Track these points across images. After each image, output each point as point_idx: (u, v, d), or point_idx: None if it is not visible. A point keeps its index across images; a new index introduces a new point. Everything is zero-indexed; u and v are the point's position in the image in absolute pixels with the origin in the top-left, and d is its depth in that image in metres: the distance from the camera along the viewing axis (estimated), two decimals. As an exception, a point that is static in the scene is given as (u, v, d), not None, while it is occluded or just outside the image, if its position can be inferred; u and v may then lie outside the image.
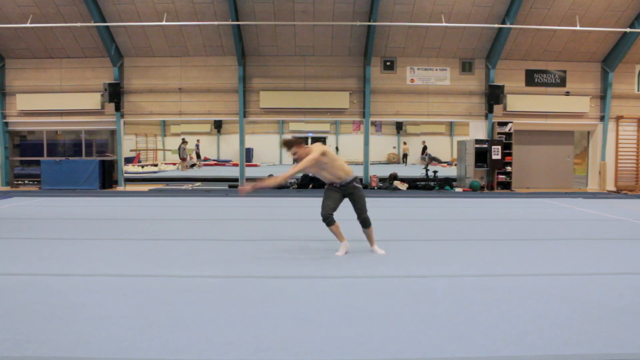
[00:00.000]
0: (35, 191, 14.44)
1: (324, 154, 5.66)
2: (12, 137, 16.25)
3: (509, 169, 15.44)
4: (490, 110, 15.45)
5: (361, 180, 15.91)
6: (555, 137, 16.24)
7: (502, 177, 15.43)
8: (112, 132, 16.58)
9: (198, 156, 27.54)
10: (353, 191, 5.91)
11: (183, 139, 25.42)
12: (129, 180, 17.06)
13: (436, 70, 15.60)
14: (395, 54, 15.46)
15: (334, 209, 5.83)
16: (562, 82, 15.77)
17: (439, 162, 33.11)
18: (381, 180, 16.08)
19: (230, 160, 30.49)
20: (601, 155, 15.90)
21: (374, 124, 32.71)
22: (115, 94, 14.86)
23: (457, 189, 15.32)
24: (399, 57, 15.53)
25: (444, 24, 13.92)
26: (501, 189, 15.37)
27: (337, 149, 35.13)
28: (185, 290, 4.42)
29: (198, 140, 28.39)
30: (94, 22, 13.90)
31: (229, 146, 32.86)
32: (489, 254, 6.05)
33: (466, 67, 15.64)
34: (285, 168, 27.27)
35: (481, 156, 15.28)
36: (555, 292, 4.39)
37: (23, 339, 3.26)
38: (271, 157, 33.32)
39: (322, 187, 15.38)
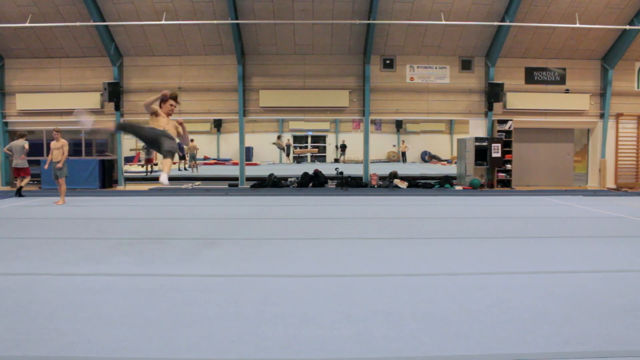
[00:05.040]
0: (35, 191, 14.44)
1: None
2: (12, 137, 16.23)
3: (509, 166, 15.45)
4: (490, 108, 15.45)
5: (361, 179, 15.93)
6: (555, 134, 16.23)
7: (502, 175, 15.44)
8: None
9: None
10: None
11: None
12: (129, 180, 17.06)
13: (436, 68, 15.58)
14: (395, 52, 15.45)
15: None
16: (562, 80, 15.76)
17: (439, 160, 33.11)
18: (381, 178, 16.09)
19: (230, 159, 30.53)
20: (601, 153, 15.90)
21: (373, 122, 32.72)
22: (114, 93, 14.86)
23: (457, 187, 15.32)
24: (399, 56, 15.52)
25: (443, 22, 13.90)
26: (501, 187, 15.38)
27: (336, 147, 35.09)
28: (185, 289, 4.41)
29: None
30: (93, 22, 13.89)
31: (228, 145, 32.88)
32: (489, 252, 6.04)
33: (466, 65, 15.63)
34: (285, 167, 27.30)
35: (481, 154, 15.28)
36: (555, 289, 4.39)
37: (23, 339, 3.26)
38: (271, 155, 33.34)
39: (322, 186, 15.45)
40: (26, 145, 12.42)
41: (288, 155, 32.76)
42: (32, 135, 17.69)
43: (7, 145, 12.81)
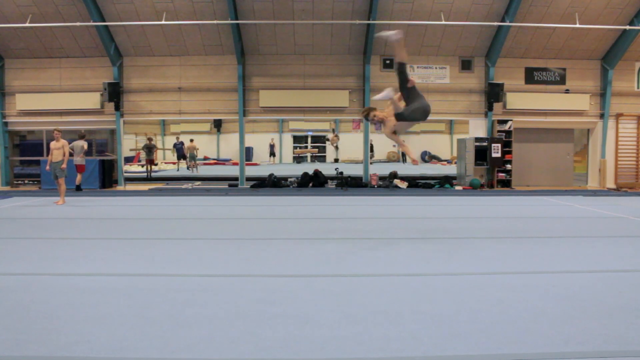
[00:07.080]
0: (35, 191, 14.44)
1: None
2: (12, 137, 16.24)
3: (508, 167, 15.45)
4: (490, 108, 15.45)
5: (361, 179, 15.93)
6: (555, 134, 16.23)
7: (502, 175, 15.44)
8: (112, 132, 16.58)
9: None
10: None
11: (149, 138, 22.03)
12: (128, 180, 17.06)
13: (436, 68, 15.58)
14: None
15: None
16: (562, 80, 15.75)
17: (439, 160, 33.13)
18: (381, 178, 16.08)
19: (230, 159, 30.52)
20: (601, 153, 15.90)
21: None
22: (114, 93, 14.86)
23: (457, 187, 15.32)
24: (399, 56, 15.48)
25: (443, 22, 13.90)
26: (501, 187, 15.38)
27: (336, 147, 35.12)
28: (185, 289, 4.41)
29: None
30: (93, 22, 13.89)
31: (228, 145, 32.86)
32: (489, 252, 6.04)
33: (466, 65, 15.62)
34: (285, 167, 27.29)
35: (481, 154, 15.28)
36: (555, 289, 4.39)
37: (23, 339, 3.26)
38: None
39: (322, 186, 15.45)
40: (85, 146, 13.96)
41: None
42: (32, 135, 17.71)
43: (69, 144, 13.67)
